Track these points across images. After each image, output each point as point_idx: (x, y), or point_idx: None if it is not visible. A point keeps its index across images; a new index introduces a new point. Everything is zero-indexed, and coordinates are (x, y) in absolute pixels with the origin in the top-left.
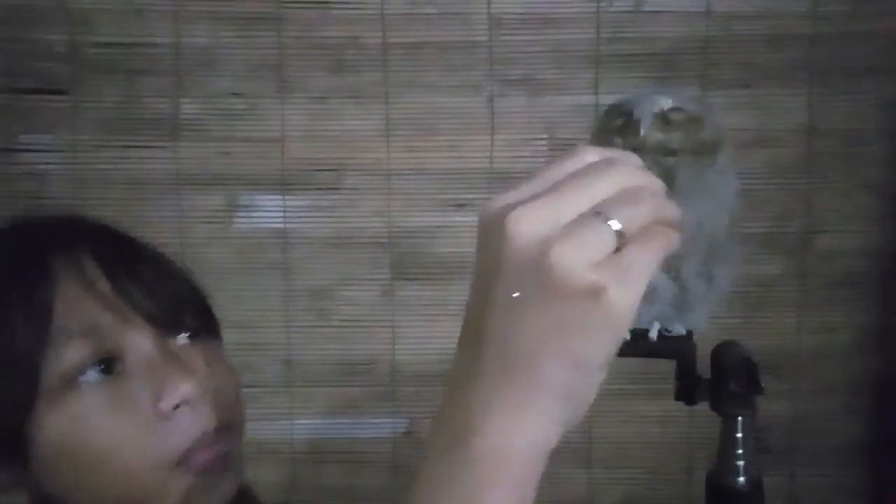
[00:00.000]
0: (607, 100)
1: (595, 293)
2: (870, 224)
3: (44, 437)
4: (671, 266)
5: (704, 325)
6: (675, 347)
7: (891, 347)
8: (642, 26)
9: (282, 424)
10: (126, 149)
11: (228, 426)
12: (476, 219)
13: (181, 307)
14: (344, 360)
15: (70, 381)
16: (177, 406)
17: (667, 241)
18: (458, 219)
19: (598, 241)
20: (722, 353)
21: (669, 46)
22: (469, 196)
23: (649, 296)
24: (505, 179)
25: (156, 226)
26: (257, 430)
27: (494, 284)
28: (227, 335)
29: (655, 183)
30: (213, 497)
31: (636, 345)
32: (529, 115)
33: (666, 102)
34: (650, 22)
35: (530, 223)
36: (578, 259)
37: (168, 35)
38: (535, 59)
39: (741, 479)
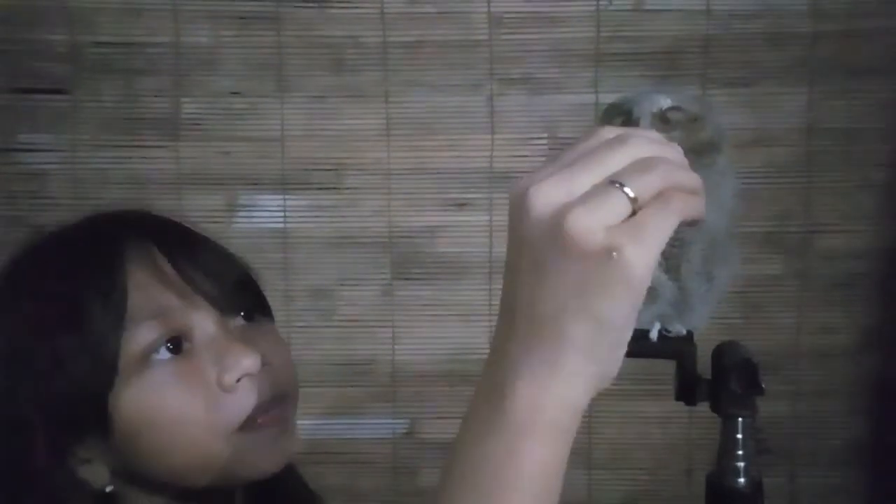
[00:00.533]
0: (607, 99)
1: (610, 253)
2: (870, 224)
3: (123, 410)
4: (671, 266)
5: (704, 325)
6: (675, 348)
7: (891, 347)
8: (642, 25)
9: None
10: (126, 148)
11: (284, 395)
12: (476, 218)
13: (238, 290)
14: (344, 361)
15: (144, 359)
16: (239, 379)
17: (683, 205)
18: (458, 218)
19: (611, 205)
20: (722, 353)
21: (669, 45)
22: (469, 195)
23: (649, 296)
24: (505, 179)
25: None
26: None
27: (520, 254)
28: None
29: (674, 153)
30: (272, 455)
31: (636, 345)
32: (529, 114)
33: (665, 102)
34: (650, 21)
35: (547, 194)
36: (593, 222)
37: (168, 35)
38: (536, 57)
39: (741, 479)
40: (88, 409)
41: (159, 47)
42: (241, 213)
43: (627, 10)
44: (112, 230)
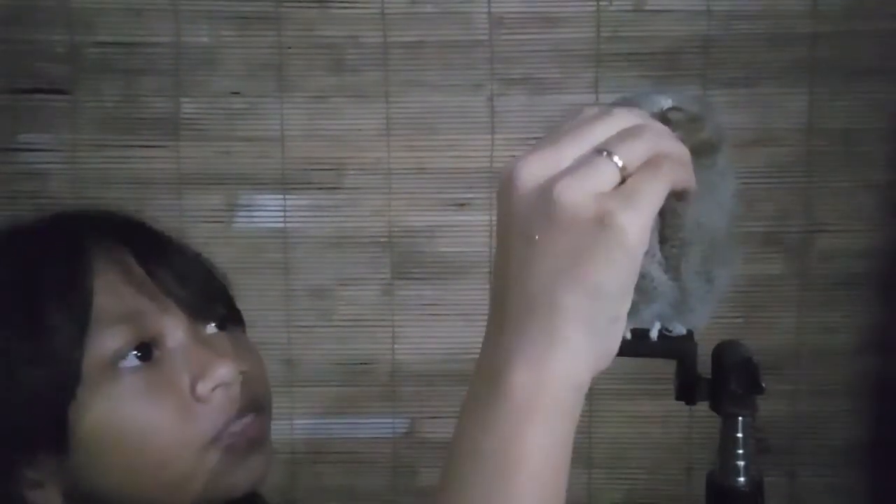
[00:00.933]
0: (607, 99)
1: (601, 219)
2: (870, 224)
3: (85, 423)
4: (671, 266)
5: (705, 325)
6: (675, 347)
7: (891, 347)
8: (642, 25)
9: (282, 424)
10: (126, 148)
11: (259, 407)
12: (476, 218)
13: (211, 296)
14: (344, 360)
15: (111, 367)
16: (213, 389)
17: (671, 170)
18: (458, 218)
19: (599, 173)
20: (722, 352)
21: (669, 45)
22: (469, 195)
23: (649, 296)
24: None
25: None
26: None
27: (509, 232)
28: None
29: (658, 126)
30: (246, 471)
31: (636, 345)
32: (530, 115)
33: (665, 102)
34: (650, 21)
35: (533, 168)
36: (581, 190)
37: (168, 35)
38: (536, 58)
39: (741, 479)
40: (45, 422)
41: (159, 47)
42: (241, 213)
43: (628, 11)
44: (78, 228)
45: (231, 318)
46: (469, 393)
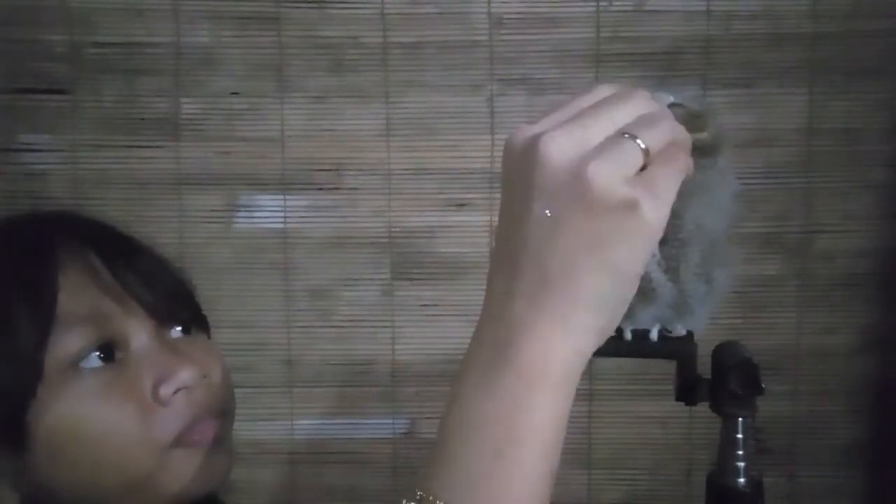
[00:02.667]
0: None
1: (630, 206)
2: (870, 224)
3: (45, 422)
4: (670, 267)
5: (704, 326)
6: (675, 348)
7: (891, 347)
8: (642, 26)
9: (282, 425)
10: (126, 148)
11: (221, 411)
12: (476, 218)
13: (177, 300)
14: (344, 361)
15: (72, 366)
16: (175, 392)
17: (684, 162)
18: (458, 219)
19: (628, 158)
20: (722, 353)
21: (670, 46)
22: (469, 196)
23: (648, 297)
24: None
25: (156, 225)
26: (257, 430)
27: (529, 205)
28: (227, 335)
29: (665, 111)
30: (206, 473)
31: (637, 345)
32: (530, 115)
33: (667, 98)
34: (650, 21)
35: (563, 145)
36: (613, 174)
37: (168, 35)
38: (536, 58)
39: (741, 479)
40: (3, 420)
41: (159, 47)
42: (240, 214)
43: (628, 11)
44: (45, 229)
45: (196, 323)
46: (470, 361)
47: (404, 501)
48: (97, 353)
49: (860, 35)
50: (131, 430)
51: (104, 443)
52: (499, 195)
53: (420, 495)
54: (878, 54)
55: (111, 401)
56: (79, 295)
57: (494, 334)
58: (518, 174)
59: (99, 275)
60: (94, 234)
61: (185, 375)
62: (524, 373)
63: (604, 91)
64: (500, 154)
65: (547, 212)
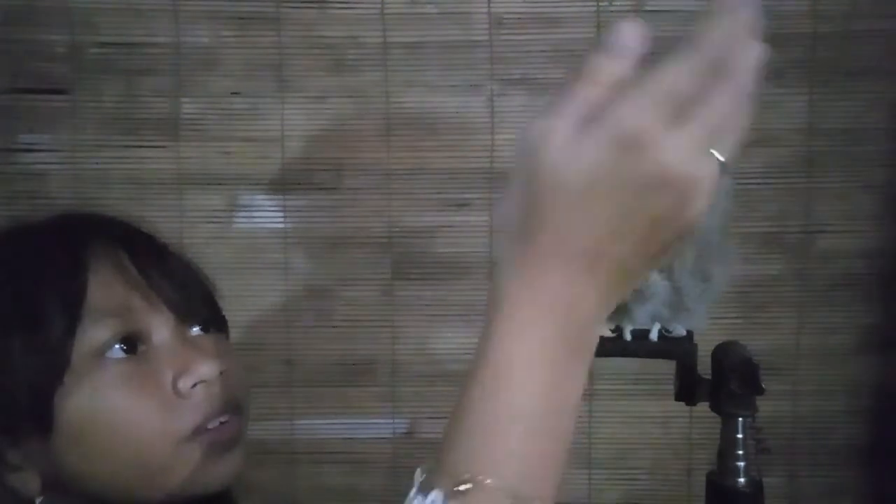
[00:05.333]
0: None
1: (685, 193)
2: (870, 224)
3: (69, 409)
4: (664, 266)
5: (703, 325)
6: (675, 348)
7: (891, 348)
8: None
9: (282, 425)
10: (126, 148)
11: (237, 406)
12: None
13: (199, 301)
14: (344, 361)
15: (97, 356)
16: (194, 385)
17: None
18: (458, 218)
19: (696, 141)
20: (722, 353)
21: (669, 46)
22: (469, 196)
23: (642, 295)
24: (505, 179)
25: (156, 225)
26: (257, 430)
27: (566, 174)
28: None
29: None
30: (220, 469)
31: (637, 346)
32: (530, 115)
33: None
34: (650, 21)
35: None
36: (679, 155)
37: (168, 35)
38: (536, 58)
39: (741, 479)
40: (33, 406)
41: (159, 47)
42: (241, 213)
43: (627, 11)
44: (79, 228)
45: (215, 323)
46: (502, 329)
47: (443, 485)
48: (121, 345)
49: (860, 35)
50: (151, 420)
51: (124, 430)
52: (498, 195)
53: (467, 476)
54: (877, 54)
55: (133, 390)
56: (107, 291)
57: (537, 300)
58: (551, 142)
59: (127, 271)
60: (126, 234)
61: (205, 370)
62: (570, 339)
63: (687, 71)
64: (500, 154)
65: (589, 182)
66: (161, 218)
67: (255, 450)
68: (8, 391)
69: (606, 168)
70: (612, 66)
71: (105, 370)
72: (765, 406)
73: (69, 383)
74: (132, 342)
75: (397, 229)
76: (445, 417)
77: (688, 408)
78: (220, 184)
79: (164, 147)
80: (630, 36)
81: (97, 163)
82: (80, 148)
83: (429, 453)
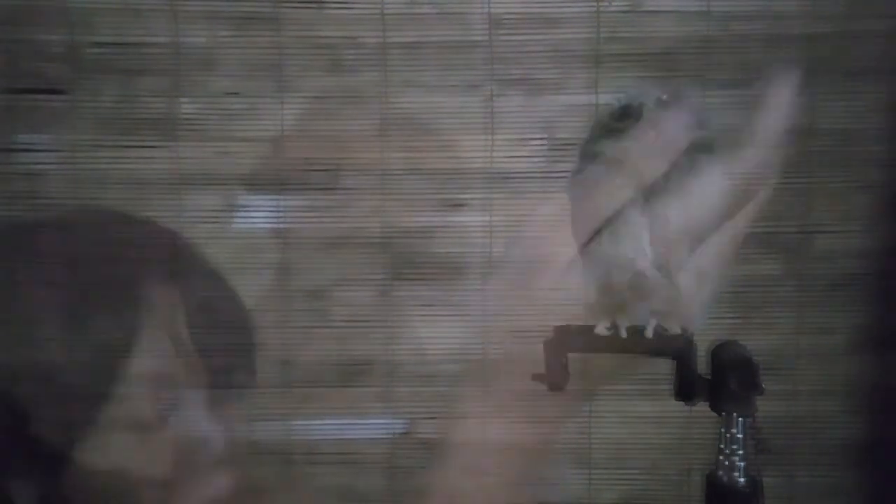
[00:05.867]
0: (606, 99)
1: None
2: (869, 224)
3: None
4: (660, 263)
5: (702, 324)
6: (673, 347)
7: (890, 348)
8: (641, 26)
9: (279, 425)
10: (124, 148)
11: None
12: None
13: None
14: (341, 361)
15: None
16: None
17: None
18: (456, 219)
19: None
20: (721, 352)
21: (669, 46)
22: (467, 196)
23: (640, 293)
24: (504, 179)
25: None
26: (255, 430)
27: None
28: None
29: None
30: None
31: (634, 343)
32: (528, 115)
33: (662, 95)
34: (649, 21)
35: None
36: None
37: (166, 35)
38: (534, 58)
39: (740, 479)
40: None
41: (158, 47)
42: (238, 213)
43: (627, 11)
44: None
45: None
46: None
47: None
48: None
49: (860, 35)
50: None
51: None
52: (497, 195)
53: None
54: (877, 54)
55: None
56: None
57: None
58: None
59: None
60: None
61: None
62: None
63: None
64: (499, 153)
65: None
66: (159, 218)
67: (253, 450)
68: None
69: None
70: None
71: None
72: (764, 406)
73: None
74: None
75: (395, 229)
76: (443, 417)
77: (686, 408)
78: (218, 184)
79: (162, 147)
80: None
81: (96, 163)
82: (78, 148)
83: (426, 454)
